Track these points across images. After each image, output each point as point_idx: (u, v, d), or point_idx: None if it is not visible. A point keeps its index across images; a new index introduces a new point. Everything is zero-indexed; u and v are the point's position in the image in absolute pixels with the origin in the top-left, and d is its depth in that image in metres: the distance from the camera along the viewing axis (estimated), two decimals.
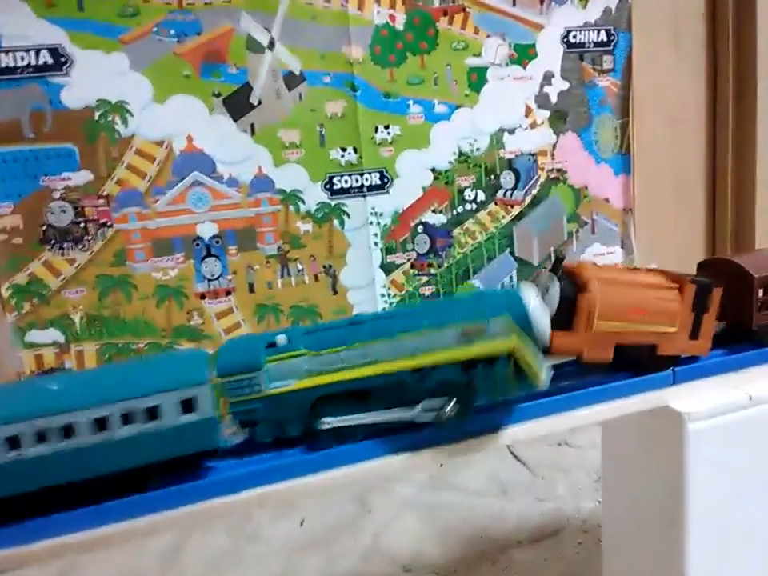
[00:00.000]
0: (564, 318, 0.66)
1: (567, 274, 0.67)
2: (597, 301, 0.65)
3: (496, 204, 1.52)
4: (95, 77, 1.19)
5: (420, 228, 1.47)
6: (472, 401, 0.61)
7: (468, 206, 1.50)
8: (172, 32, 1.22)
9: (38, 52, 1.16)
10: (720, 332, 0.76)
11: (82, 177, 1.21)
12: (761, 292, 0.75)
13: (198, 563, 1.13)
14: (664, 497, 0.78)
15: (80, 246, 1.23)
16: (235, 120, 1.29)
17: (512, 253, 1.55)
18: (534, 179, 1.55)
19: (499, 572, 1.05)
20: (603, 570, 0.95)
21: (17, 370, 1.22)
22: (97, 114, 1.21)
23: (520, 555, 1.08)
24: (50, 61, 1.16)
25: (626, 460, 0.88)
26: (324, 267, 1.40)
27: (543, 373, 0.61)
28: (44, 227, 1.20)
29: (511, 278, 1.56)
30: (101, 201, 1.23)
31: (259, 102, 1.30)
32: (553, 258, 0.69)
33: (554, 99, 1.53)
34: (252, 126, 1.30)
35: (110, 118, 1.21)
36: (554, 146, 1.55)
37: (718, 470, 0.76)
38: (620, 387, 0.73)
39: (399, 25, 1.37)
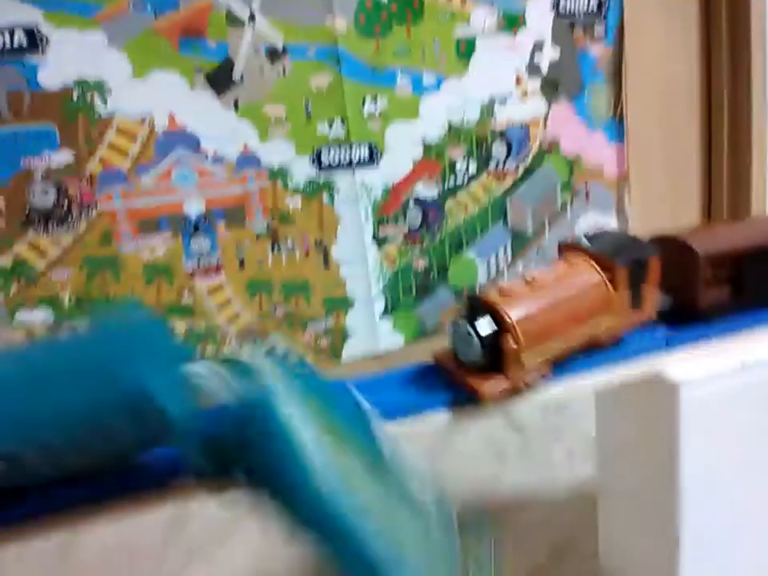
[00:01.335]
0: (490, 361, 0.62)
1: (484, 309, 0.62)
2: (520, 337, 0.61)
3: (488, 175, 1.46)
4: (72, 56, 1.14)
5: (411, 201, 1.42)
6: None
7: (460, 178, 1.44)
8: (149, 7, 1.16)
9: (12, 33, 1.11)
10: (668, 310, 0.73)
11: (64, 157, 1.17)
12: (708, 270, 0.71)
13: (199, 536, 1.12)
14: (658, 464, 0.77)
15: (65, 227, 1.19)
16: (218, 96, 1.23)
17: (505, 223, 1.49)
18: (527, 149, 1.48)
19: (495, 538, 1.04)
20: (599, 535, 0.94)
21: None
22: (75, 94, 1.16)
23: (516, 520, 1.07)
24: (25, 41, 1.11)
25: (619, 428, 0.87)
26: (315, 243, 1.35)
27: None
28: (27, 209, 1.16)
29: (505, 248, 1.50)
30: (83, 181, 1.19)
31: (242, 78, 1.24)
32: (465, 302, 0.64)
33: (545, 68, 1.46)
34: (236, 101, 1.25)
35: (88, 97, 1.17)
36: (546, 116, 1.49)
37: (712, 437, 0.74)
38: (611, 356, 0.70)
39: None
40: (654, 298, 0.70)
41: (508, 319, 0.61)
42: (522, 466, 1.21)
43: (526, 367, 0.62)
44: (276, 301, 1.35)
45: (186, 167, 1.24)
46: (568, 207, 1.55)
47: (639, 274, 0.68)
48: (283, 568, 1.01)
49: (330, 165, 1.33)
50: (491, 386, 0.61)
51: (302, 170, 1.32)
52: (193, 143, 1.24)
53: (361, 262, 1.40)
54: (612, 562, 0.91)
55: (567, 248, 0.71)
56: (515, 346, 0.60)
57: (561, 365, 0.66)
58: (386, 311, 1.43)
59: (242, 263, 1.32)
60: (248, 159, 1.28)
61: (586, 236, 0.72)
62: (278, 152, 1.29)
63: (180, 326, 1.30)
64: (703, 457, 0.73)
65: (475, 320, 0.61)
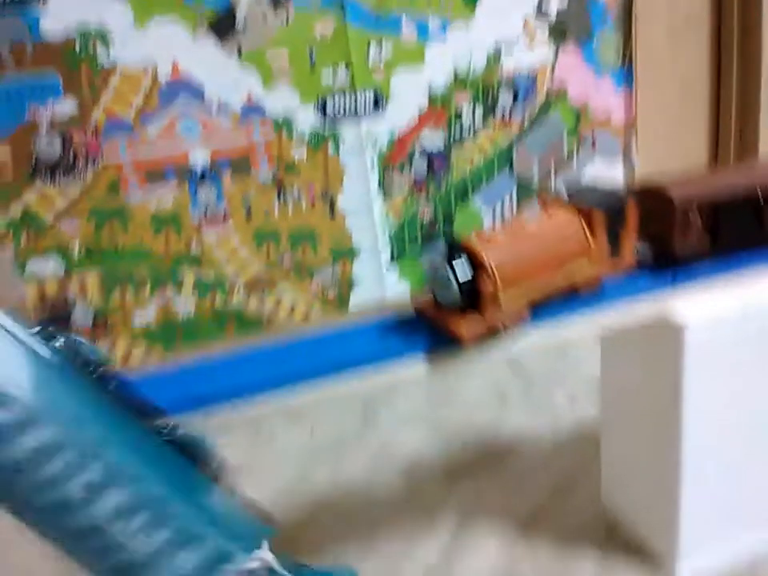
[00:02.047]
0: (470, 301, 0.62)
1: (462, 252, 0.62)
2: (497, 278, 0.61)
3: (494, 124, 1.43)
4: (73, 5, 1.11)
5: (417, 151, 1.39)
6: None
7: (466, 127, 1.41)
8: None
9: None
10: (647, 258, 0.73)
11: (68, 108, 1.15)
12: (685, 217, 0.70)
13: None
14: (661, 403, 0.77)
15: (71, 178, 1.18)
16: (221, 44, 1.20)
17: (511, 172, 1.47)
18: (533, 97, 1.44)
19: (499, 478, 1.04)
20: (602, 474, 0.94)
21: (19, 302, 1.20)
22: (77, 43, 1.14)
23: (519, 462, 1.07)
24: None
25: (624, 370, 0.86)
26: (321, 193, 1.33)
27: None
28: (34, 160, 1.16)
29: (511, 197, 1.48)
30: (89, 132, 1.17)
31: (244, 25, 1.21)
32: (444, 245, 0.62)
33: (553, 13, 1.41)
34: (239, 49, 1.22)
35: (91, 46, 1.14)
36: (554, 62, 1.44)
37: (714, 376, 0.74)
38: (591, 303, 0.69)
39: None
40: (632, 246, 0.69)
41: (485, 261, 0.61)
42: (524, 409, 1.22)
43: (503, 309, 0.62)
44: (283, 251, 1.34)
45: (190, 117, 1.22)
46: (574, 155, 1.52)
47: (616, 221, 0.67)
48: None
49: (334, 114, 1.31)
50: (469, 327, 0.61)
51: (307, 120, 1.29)
52: (196, 92, 1.22)
53: (367, 212, 1.38)
54: (614, 500, 0.92)
55: (547, 198, 0.71)
56: (492, 288, 0.60)
57: (540, 310, 0.66)
58: (392, 260, 1.42)
59: (248, 213, 1.31)
60: (252, 109, 1.25)
61: (565, 187, 0.71)
62: (282, 101, 1.27)
63: (189, 276, 1.30)
64: (704, 396, 0.73)
65: (454, 263, 0.61)
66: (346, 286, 1.41)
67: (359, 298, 1.42)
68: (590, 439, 1.05)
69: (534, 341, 0.67)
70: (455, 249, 0.62)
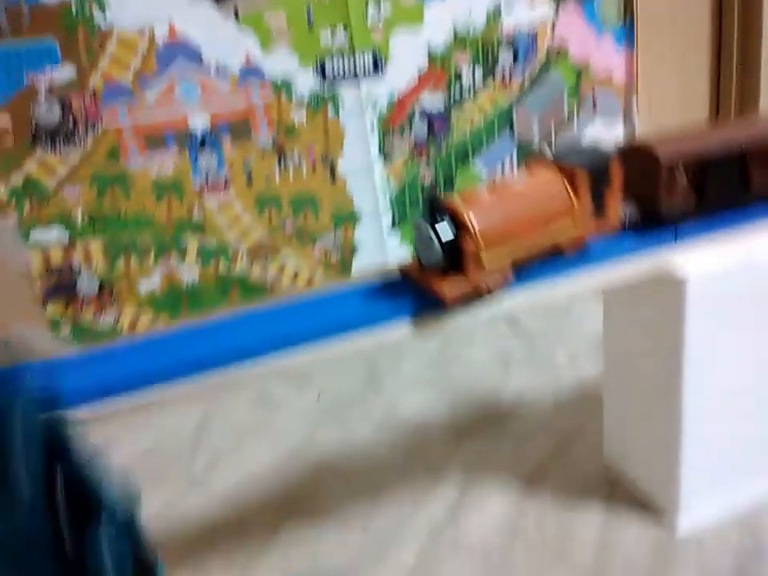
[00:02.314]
0: (452, 262, 0.61)
1: (445, 213, 0.61)
2: (479, 237, 0.60)
3: (494, 84, 1.41)
4: None
5: (417, 113, 1.37)
6: None
7: (465, 88, 1.39)
8: None
9: None
10: (633, 219, 0.72)
11: (66, 73, 1.13)
12: (671, 176, 0.69)
13: (225, 436, 1.16)
14: (663, 359, 0.77)
15: (72, 145, 1.17)
16: (217, 5, 1.18)
17: (512, 134, 1.45)
18: (534, 56, 1.42)
19: (503, 437, 1.05)
20: (604, 432, 0.96)
21: (23, 270, 1.20)
22: (74, 6, 1.11)
23: (523, 421, 1.09)
24: None
25: (626, 326, 0.87)
26: (321, 157, 1.32)
27: None
28: (33, 127, 1.14)
29: (511, 158, 1.47)
30: (87, 97, 1.16)
31: None
32: (426, 205, 0.62)
33: None
34: (236, 10, 1.19)
35: (87, 9, 1.12)
36: (555, 21, 1.42)
37: (715, 329, 0.74)
38: (576, 264, 0.69)
39: None
40: (617, 206, 0.68)
41: (467, 220, 0.60)
42: (526, 369, 1.23)
43: (486, 269, 0.61)
44: (285, 216, 1.34)
45: (188, 80, 1.21)
46: (575, 115, 1.50)
47: (600, 180, 0.66)
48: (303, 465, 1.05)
49: (334, 76, 1.29)
50: (452, 287, 0.61)
51: (306, 82, 1.28)
52: (194, 55, 1.20)
53: (367, 176, 1.37)
54: (616, 455, 0.93)
55: (532, 159, 0.69)
56: (474, 247, 0.60)
57: (524, 271, 0.66)
58: (393, 225, 1.42)
59: (249, 179, 1.30)
60: (251, 71, 1.23)
61: (549, 147, 0.70)
62: (281, 63, 1.25)
63: (192, 242, 1.30)
64: (706, 349, 0.74)
65: (436, 223, 0.61)
66: (348, 250, 1.40)
67: (361, 263, 1.42)
68: (591, 397, 1.06)
69: (519, 301, 0.67)
70: (438, 209, 0.61)
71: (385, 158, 1.37)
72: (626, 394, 0.89)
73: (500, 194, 0.64)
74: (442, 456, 1.02)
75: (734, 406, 0.79)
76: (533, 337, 1.33)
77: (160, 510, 1.00)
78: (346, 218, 1.38)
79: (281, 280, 1.38)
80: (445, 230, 0.60)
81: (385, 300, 0.65)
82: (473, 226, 0.60)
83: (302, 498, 0.98)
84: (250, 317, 0.66)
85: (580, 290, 0.69)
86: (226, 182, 1.28)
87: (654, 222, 0.71)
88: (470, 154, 1.44)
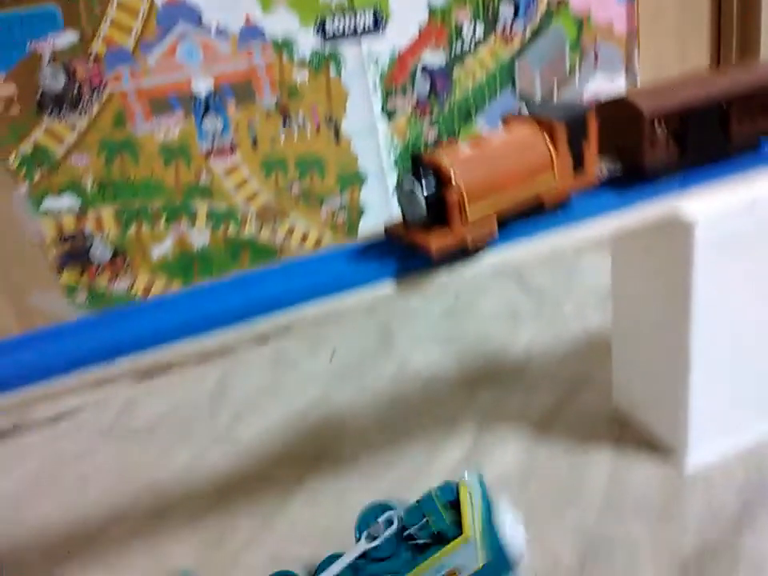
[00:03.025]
0: (436, 216, 0.61)
1: (428, 167, 0.61)
2: (464, 190, 0.60)
3: (495, 39, 1.39)
4: None
5: (419, 70, 1.36)
6: None
7: (467, 43, 1.37)
8: None
9: None
10: (616, 173, 0.72)
11: (68, 38, 1.12)
12: (654, 129, 0.69)
13: (243, 395, 1.19)
14: (672, 302, 0.78)
15: (78, 111, 1.16)
16: None
17: (514, 90, 1.44)
18: (534, 9, 1.40)
19: (515, 385, 1.07)
20: (613, 377, 0.97)
21: (37, 239, 1.21)
22: None
23: (534, 370, 1.10)
24: None
25: (634, 271, 0.88)
26: (325, 118, 1.31)
27: None
28: (39, 94, 1.13)
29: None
30: (91, 62, 1.14)
31: None
32: (409, 161, 0.62)
33: None
34: None
35: None
36: None
37: (723, 271, 0.75)
38: (558, 219, 0.69)
39: None
40: (594, 158, 0.68)
41: (450, 172, 0.60)
42: (534, 322, 1.24)
43: (470, 222, 0.61)
44: (291, 179, 1.34)
45: (189, 42, 1.19)
46: (576, 69, 1.49)
47: (578, 133, 0.65)
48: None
49: (334, 35, 1.27)
50: (437, 240, 0.60)
51: (307, 42, 1.26)
52: (194, 16, 1.17)
53: (371, 136, 1.37)
54: (625, 399, 0.95)
55: (510, 117, 0.70)
56: (458, 200, 0.59)
57: (508, 227, 0.66)
58: None
59: (254, 142, 1.29)
60: (251, 31, 1.22)
61: (527, 104, 0.70)
62: (281, 23, 1.23)
63: (201, 207, 1.30)
64: (714, 291, 0.74)
65: (419, 178, 0.60)
66: (355, 212, 1.41)
67: (368, 224, 1.42)
68: (599, 347, 1.07)
69: (505, 255, 0.67)
70: (421, 164, 0.61)
71: (388, 117, 1.37)
72: (635, 338, 0.90)
73: (481, 147, 0.64)
74: (456, 407, 1.04)
75: (742, 346, 0.80)
76: (540, 292, 1.34)
77: (186, 464, 1.03)
78: (352, 179, 1.38)
79: (290, 242, 1.38)
80: (428, 184, 0.60)
81: (370, 259, 0.66)
82: (456, 179, 0.60)
83: (323, 450, 1.00)
84: (235, 281, 0.67)
85: (566, 242, 0.69)
86: (232, 146, 1.28)
87: (636, 175, 0.71)
88: (473, 111, 1.43)
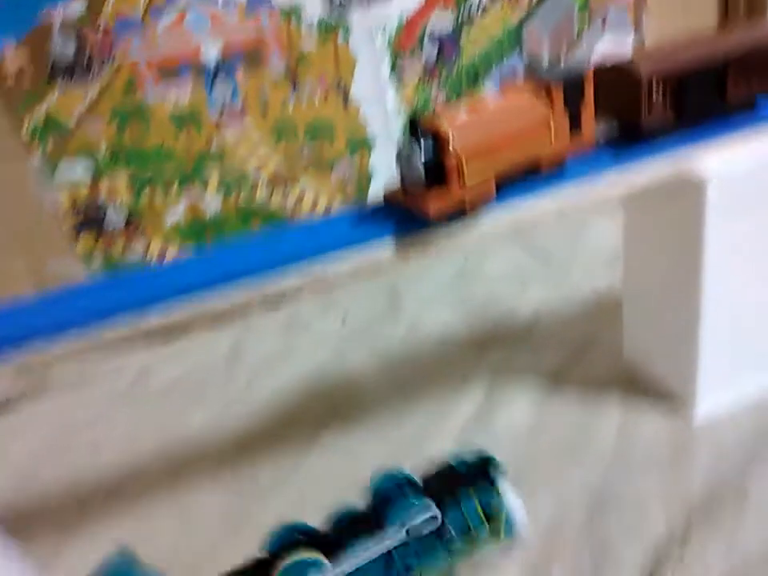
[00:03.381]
0: (435, 179, 0.60)
1: (426, 130, 0.60)
2: (461, 152, 0.59)
3: (503, 2, 1.37)
4: None
5: (427, 35, 1.35)
6: None
7: (475, 7, 1.36)
8: None
9: None
10: (613, 136, 0.71)
11: (78, 6, 1.11)
12: (651, 91, 0.68)
13: (257, 359, 1.20)
14: (683, 259, 0.78)
15: (89, 79, 1.16)
16: None
17: (521, 56, 1.43)
18: None
19: (526, 344, 1.08)
20: (624, 333, 0.98)
21: (52, 208, 1.22)
22: None
23: (543, 329, 1.11)
24: None
25: (646, 230, 0.87)
26: (333, 84, 1.31)
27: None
28: (50, 63, 1.13)
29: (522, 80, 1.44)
30: (100, 30, 1.14)
31: None
32: (407, 124, 0.61)
33: None
34: None
35: None
36: None
37: (734, 228, 0.75)
38: (556, 181, 0.68)
39: None
40: (591, 120, 0.67)
41: (447, 135, 0.59)
42: (543, 284, 1.24)
43: (468, 184, 0.61)
44: (301, 145, 1.34)
45: (197, 11, 1.18)
46: (585, 34, 1.47)
47: (575, 93, 0.64)
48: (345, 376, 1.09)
49: (341, 1, 1.26)
50: (435, 201, 0.60)
51: (314, 8, 1.25)
52: None
53: (380, 101, 1.36)
54: (636, 355, 0.96)
55: (507, 83, 0.69)
56: (455, 162, 0.59)
57: (505, 189, 0.65)
58: None
59: (264, 108, 1.29)
60: None
61: (531, 68, 0.69)
62: None
63: (213, 173, 1.30)
64: (725, 248, 0.74)
65: (417, 140, 0.60)
66: (364, 177, 1.41)
67: (378, 189, 1.42)
68: (608, 307, 1.08)
69: (503, 218, 0.67)
70: (417, 125, 0.61)
71: (396, 83, 1.36)
72: (647, 294, 0.90)
73: (478, 110, 0.64)
74: (466, 366, 1.05)
75: (753, 300, 0.80)
76: (548, 254, 1.34)
77: (202, 424, 1.05)
78: (361, 144, 1.38)
79: (300, 208, 1.39)
80: (426, 148, 0.60)
81: (369, 222, 0.66)
82: (453, 140, 0.59)
83: (337, 409, 1.02)
84: (236, 245, 0.67)
85: (564, 204, 0.69)
86: (242, 112, 1.28)
87: (633, 137, 0.70)
88: (481, 77, 1.42)
